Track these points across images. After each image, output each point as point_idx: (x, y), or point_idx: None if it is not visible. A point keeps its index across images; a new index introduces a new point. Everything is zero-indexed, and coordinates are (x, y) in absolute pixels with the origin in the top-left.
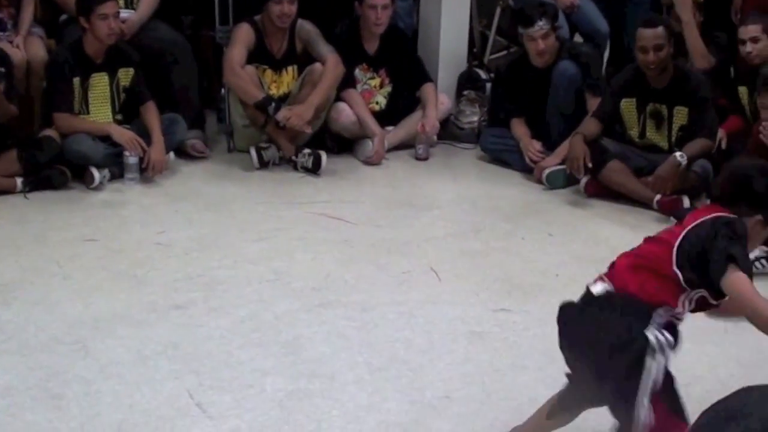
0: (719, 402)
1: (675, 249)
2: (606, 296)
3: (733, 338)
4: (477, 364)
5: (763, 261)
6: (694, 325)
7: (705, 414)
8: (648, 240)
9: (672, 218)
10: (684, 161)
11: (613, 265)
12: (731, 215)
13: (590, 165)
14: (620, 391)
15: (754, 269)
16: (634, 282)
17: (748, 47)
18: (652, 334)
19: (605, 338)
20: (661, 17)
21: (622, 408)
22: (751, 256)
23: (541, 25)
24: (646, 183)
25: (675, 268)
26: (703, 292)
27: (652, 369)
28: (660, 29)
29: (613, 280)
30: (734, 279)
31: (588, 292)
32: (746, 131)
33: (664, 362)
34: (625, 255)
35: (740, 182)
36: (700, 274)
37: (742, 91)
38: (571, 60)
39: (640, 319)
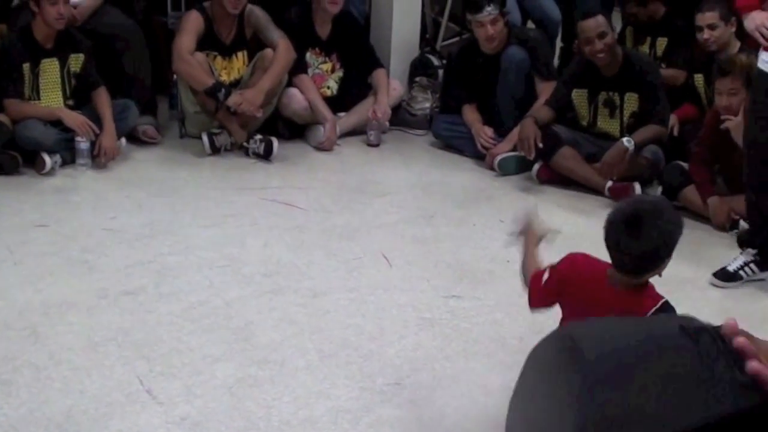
0: None
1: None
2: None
3: None
4: (427, 350)
5: (752, 266)
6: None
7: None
8: None
9: None
10: (631, 146)
11: None
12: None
13: (541, 146)
14: None
15: (743, 275)
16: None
17: (706, 34)
18: None
19: None
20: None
21: None
22: (739, 261)
23: (489, 10)
24: (596, 169)
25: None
26: None
27: None
28: (600, 17)
29: None
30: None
31: None
32: (700, 119)
33: None
34: None
35: (654, 256)
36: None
37: (698, 78)
38: (519, 45)
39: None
